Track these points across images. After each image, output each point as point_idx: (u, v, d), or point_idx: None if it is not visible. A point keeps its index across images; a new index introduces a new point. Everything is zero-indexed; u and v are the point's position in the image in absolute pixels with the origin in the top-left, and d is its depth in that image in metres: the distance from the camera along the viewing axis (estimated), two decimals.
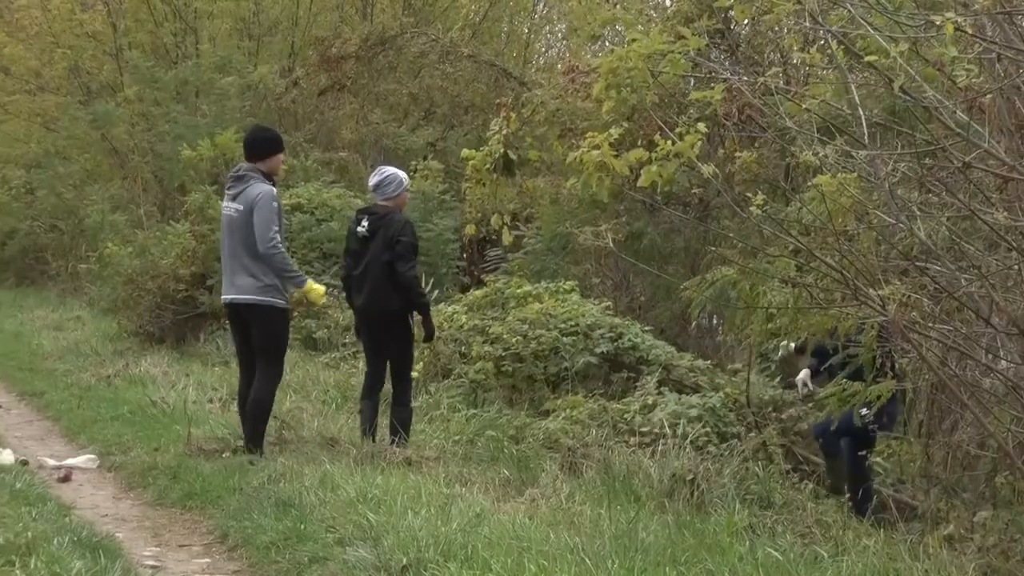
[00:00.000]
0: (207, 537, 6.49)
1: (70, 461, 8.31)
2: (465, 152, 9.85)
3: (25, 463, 8.08)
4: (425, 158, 18.13)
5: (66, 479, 7.87)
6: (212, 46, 21.67)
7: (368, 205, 9.13)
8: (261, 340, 8.00)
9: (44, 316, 17.03)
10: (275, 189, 7.99)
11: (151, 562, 5.97)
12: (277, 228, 7.88)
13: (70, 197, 21.53)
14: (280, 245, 7.88)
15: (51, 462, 8.29)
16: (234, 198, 7.94)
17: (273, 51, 22.16)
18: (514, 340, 10.35)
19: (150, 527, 6.73)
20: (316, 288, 8.21)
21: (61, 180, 21.93)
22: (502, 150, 9.95)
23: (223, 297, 8.18)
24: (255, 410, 7.94)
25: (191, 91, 20.69)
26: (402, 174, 8.63)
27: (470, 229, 11.01)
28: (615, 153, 7.19)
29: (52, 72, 22.70)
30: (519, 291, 11.59)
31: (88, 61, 22.32)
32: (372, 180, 8.61)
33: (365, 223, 8.37)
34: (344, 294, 8.94)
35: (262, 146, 8.14)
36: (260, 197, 7.84)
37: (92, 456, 8.44)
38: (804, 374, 8.99)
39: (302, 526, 6.03)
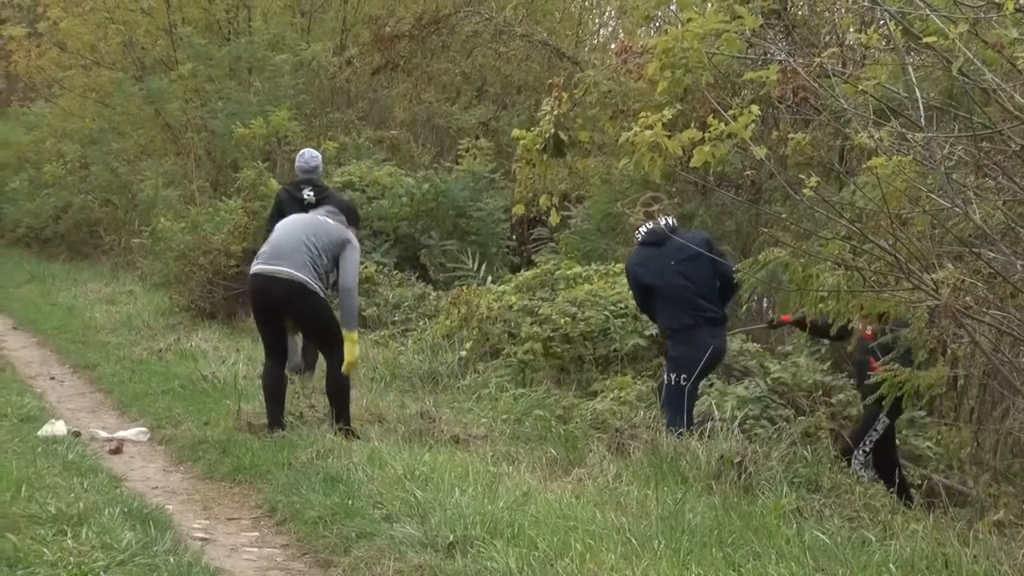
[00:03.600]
0: (256, 511, 6.55)
1: (121, 433, 8.41)
2: (516, 132, 9.85)
3: (78, 434, 8.18)
4: (477, 137, 18.13)
5: (117, 451, 7.96)
6: (264, 23, 21.73)
7: (300, 179, 10.15)
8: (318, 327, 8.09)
9: (97, 290, 17.19)
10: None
11: (200, 534, 6.03)
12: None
13: (124, 172, 21.71)
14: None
15: (103, 434, 8.39)
16: (320, 202, 9.07)
17: (325, 28, 22.17)
18: (563, 321, 10.33)
19: (199, 500, 6.79)
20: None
21: (115, 155, 22.11)
22: (553, 130, 9.93)
23: (269, 267, 7.88)
24: (338, 394, 7.99)
25: (244, 68, 20.76)
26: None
27: (519, 209, 11.01)
28: (668, 134, 7.16)
29: (107, 47, 22.81)
30: (569, 272, 11.58)
31: (142, 36, 22.42)
32: (311, 162, 10.06)
33: (310, 192, 9.78)
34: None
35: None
36: (352, 239, 8.09)
37: (143, 429, 8.53)
38: None
39: (350, 502, 6.07)
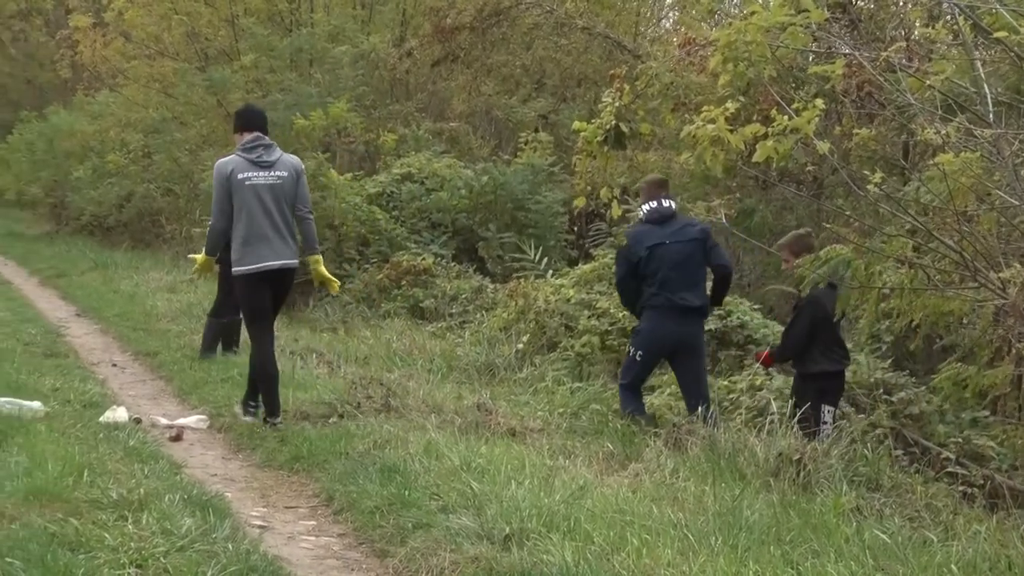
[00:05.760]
0: (313, 500, 6.57)
1: (181, 421, 8.47)
2: (576, 124, 9.81)
3: (139, 421, 8.26)
4: (536, 130, 18.10)
5: (177, 438, 8.02)
6: (326, 14, 21.82)
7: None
8: (284, 298, 8.50)
9: (158, 278, 17.35)
10: None
11: (259, 522, 6.06)
12: None
13: (186, 161, 21.88)
14: None
15: (163, 421, 8.46)
16: (272, 166, 8.12)
17: (385, 19, 22.23)
18: (621, 315, 10.29)
19: (258, 488, 6.83)
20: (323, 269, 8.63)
21: (177, 145, 22.29)
22: (614, 122, 9.89)
23: (272, 263, 8.06)
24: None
25: (305, 59, 20.87)
26: None
27: (579, 201, 10.96)
28: (730, 128, 7.11)
29: (170, 38, 22.98)
30: None
31: (205, 27, 22.59)
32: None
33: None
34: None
35: (266, 120, 8.48)
36: (301, 165, 8.34)
37: (203, 416, 8.59)
38: None
39: (406, 492, 6.07)
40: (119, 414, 8.26)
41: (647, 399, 9.02)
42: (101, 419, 8.08)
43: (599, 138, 9.84)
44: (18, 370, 9.55)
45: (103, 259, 20.75)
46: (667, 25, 23.79)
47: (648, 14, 23.12)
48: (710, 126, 7.07)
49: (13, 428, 7.30)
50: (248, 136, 8.22)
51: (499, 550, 5.18)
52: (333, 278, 8.76)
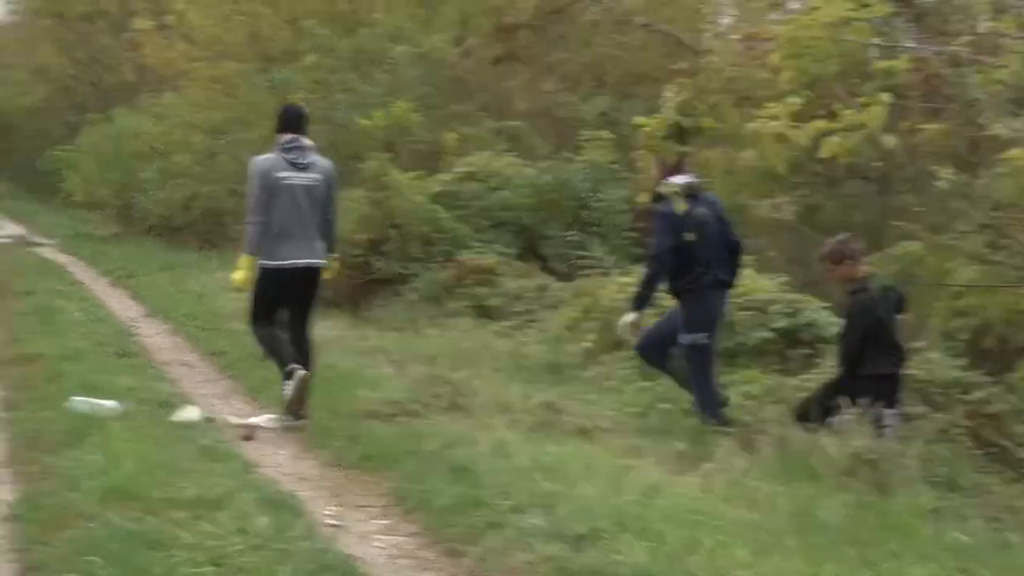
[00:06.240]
0: (384, 499, 6.59)
1: (253, 420, 8.55)
2: (638, 119, 9.79)
3: (211, 420, 8.35)
4: (598, 128, 18.06)
5: (249, 437, 8.09)
6: (387, 14, 21.88)
7: None
8: (314, 297, 8.69)
9: (225, 278, 17.35)
10: None
11: (332, 521, 6.10)
12: None
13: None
14: None
15: (234, 420, 8.54)
16: (306, 168, 8.43)
17: (446, 19, 22.28)
18: None
19: (329, 487, 6.88)
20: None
21: (241, 145, 22.43)
22: (676, 117, 9.85)
23: (299, 261, 8.41)
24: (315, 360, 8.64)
25: (366, 60, 20.94)
26: None
27: (641, 197, 10.93)
28: (794, 124, 7.07)
29: (232, 39, 23.16)
30: None
31: (266, 28, 22.74)
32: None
33: None
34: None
35: (305, 121, 8.71)
36: (334, 169, 8.70)
37: (273, 416, 8.66)
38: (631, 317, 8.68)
39: (477, 491, 6.08)
40: (191, 413, 8.36)
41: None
42: (174, 418, 8.18)
43: (661, 134, 9.82)
44: (92, 370, 9.67)
45: (171, 260, 20.93)
46: (727, 21, 23.64)
47: (708, 10, 22.96)
48: (773, 122, 7.03)
49: (89, 427, 7.42)
50: (287, 136, 8.51)
51: (572, 550, 5.19)
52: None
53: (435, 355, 10.62)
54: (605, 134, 17.25)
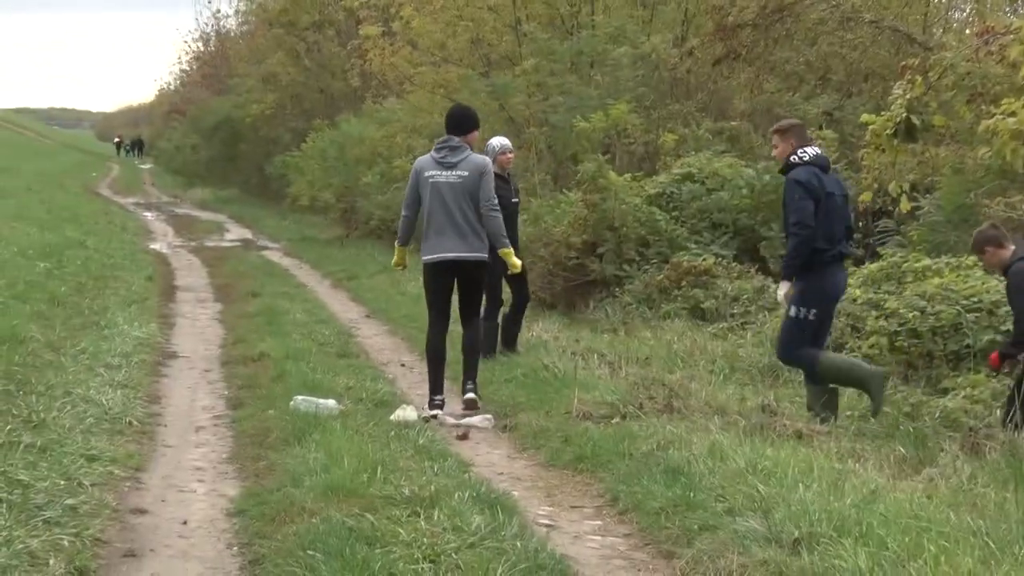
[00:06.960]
0: (598, 500, 6.60)
1: (468, 420, 8.66)
2: (865, 117, 9.54)
3: (427, 420, 8.49)
4: (820, 127, 17.67)
5: (464, 437, 8.20)
6: (607, 16, 21.92)
7: None
8: (478, 291, 9.22)
9: None
10: None
11: (545, 521, 6.13)
12: None
13: None
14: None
15: (450, 420, 8.66)
16: (454, 166, 8.78)
17: (666, 20, 22.15)
18: (911, 315, 9.92)
19: (543, 487, 6.91)
20: (515, 261, 9.41)
21: None
22: (905, 114, 9.55)
23: (447, 255, 8.86)
24: (476, 348, 9.22)
25: (585, 62, 21.00)
26: None
27: (865, 196, 10.64)
28: None
29: (455, 44, 23.56)
30: (917, 265, 11.10)
31: (488, 33, 23.05)
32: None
33: None
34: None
35: (467, 123, 9.05)
36: (487, 165, 8.97)
37: (488, 416, 8.75)
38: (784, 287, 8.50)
39: (691, 494, 6.03)
40: (408, 413, 8.53)
41: (939, 401, 8.64)
42: (391, 417, 8.36)
43: (889, 131, 9.53)
44: (314, 369, 9.97)
45: (391, 262, 21.33)
46: (958, 16, 22.82)
47: (939, 3, 22.20)
48: (1011, 119, 6.73)
49: (311, 425, 7.65)
50: (442, 137, 8.99)
51: (788, 554, 5.09)
52: (517, 261, 9.48)
53: (649, 357, 10.55)
54: (828, 133, 16.85)
